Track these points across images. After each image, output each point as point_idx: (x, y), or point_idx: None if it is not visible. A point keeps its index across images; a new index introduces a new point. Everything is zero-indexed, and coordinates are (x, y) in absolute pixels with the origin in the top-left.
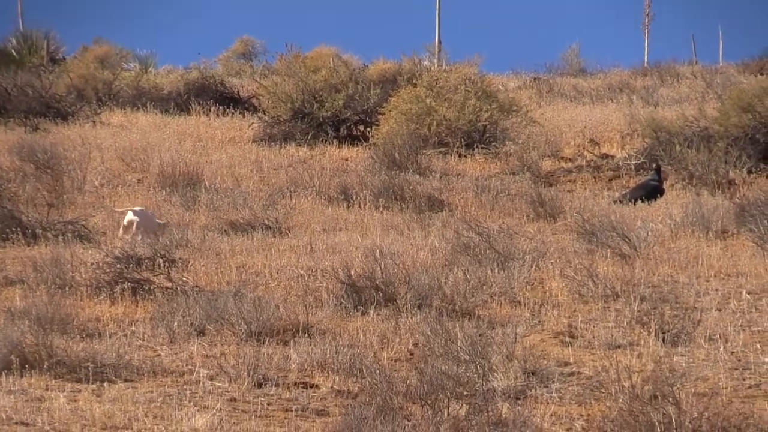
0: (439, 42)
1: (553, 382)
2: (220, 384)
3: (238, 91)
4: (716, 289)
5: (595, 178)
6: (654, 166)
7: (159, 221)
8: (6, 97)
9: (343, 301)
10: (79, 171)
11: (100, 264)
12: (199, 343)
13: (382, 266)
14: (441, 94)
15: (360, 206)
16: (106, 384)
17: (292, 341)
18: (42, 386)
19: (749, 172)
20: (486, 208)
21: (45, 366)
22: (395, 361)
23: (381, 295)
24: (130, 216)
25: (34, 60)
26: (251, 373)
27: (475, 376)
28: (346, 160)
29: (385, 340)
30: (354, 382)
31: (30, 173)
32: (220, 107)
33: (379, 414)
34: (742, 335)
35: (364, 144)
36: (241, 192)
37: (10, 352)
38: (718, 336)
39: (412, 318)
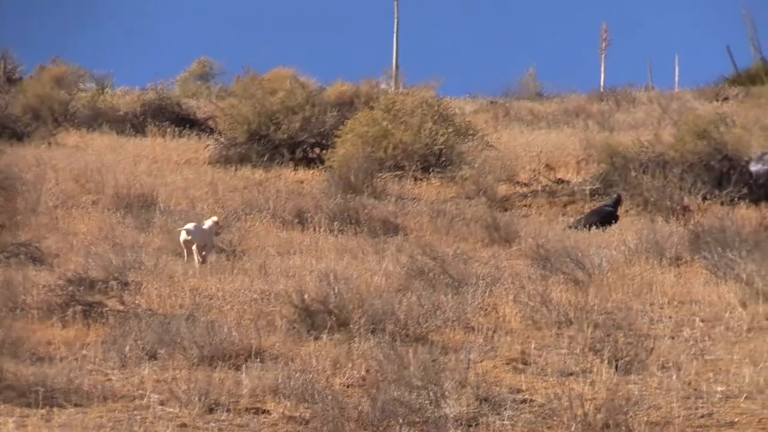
0: (397, 65)
1: (506, 409)
2: (170, 409)
3: (194, 113)
4: (670, 317)
5: (550, 203)
6: (614, 195)
7: (206, 228)
8: None
9: (296, 325)
10: (34, 192)
11: (52, 286)
12: (151, 368)
13: (336, 290)
14: (397, 117)
15: (315, 229)
16: (55, 409)
17: (244, 366)
18: None
19: (704, 198)
20: (441, 233)
21: None
22: (347, 386)
23: (334, 319)
24: (183, 236)
25: None
26: (202, 398)
27: (427, 402)
28: (302, 182)
29: (337, 366)
30: (306, 407)
31: None
32: (177, 128)
33: None
34: (695, 364)
35: (320, 167)
36: (196, 214)
37: None
38: (671, 364)
39: (365, 343)
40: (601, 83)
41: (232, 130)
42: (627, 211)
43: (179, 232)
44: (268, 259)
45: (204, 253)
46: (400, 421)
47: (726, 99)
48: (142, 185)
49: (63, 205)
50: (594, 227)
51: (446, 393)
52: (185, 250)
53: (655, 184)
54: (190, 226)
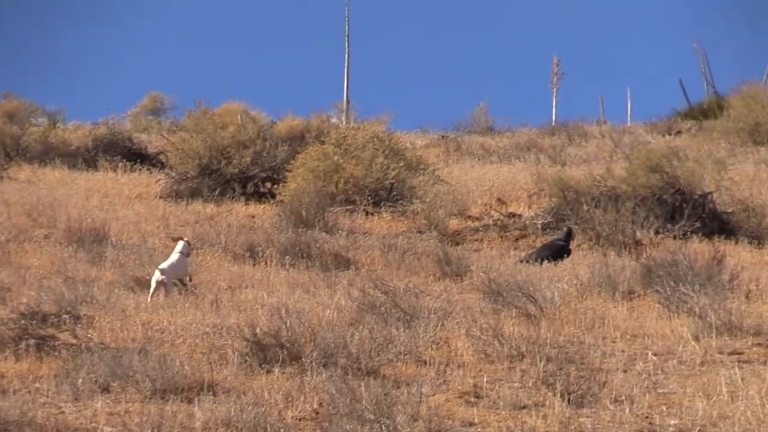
0: (348, 99)
1: None
2: None
3: (146, 147)
4: (622, 351)
5: (501, 237)
6: (566, 228)
7: (175, 261)
8: None
9: (248, 359)
10: None
11: (5, 320)
12: (104, 401)
13: (288, 324)
14: (349, 151)
15: (266, 264)
16: None
17: (196, 399)
18: None
19: (656, 232)
20: (392, 267)
21: None
22: (300, 419)
23: (286, 353)
24: (156, 277)
25: None
26: (155, 431)
27: None
28: (253, 217)
29: (289, 399)
30: None
31: None
32: (128, 163)
33: None
34: (647, 397)
35: (272, 201)
36: (148, 248)
37: None
38: (623, 397)
39: (317, 377)
40: (553, 117)
41: (183, 165)
42: (579, 245)
43: (155, 273)
44: (219, 293)
45: (188, 282)
46: None
47: (679, 133)
48: (93, 219)
49: (15, 239)
50: (546, 261)
51: (399, 426)
52: (162, 288)
53: (608, 218)
54: (164, 265)
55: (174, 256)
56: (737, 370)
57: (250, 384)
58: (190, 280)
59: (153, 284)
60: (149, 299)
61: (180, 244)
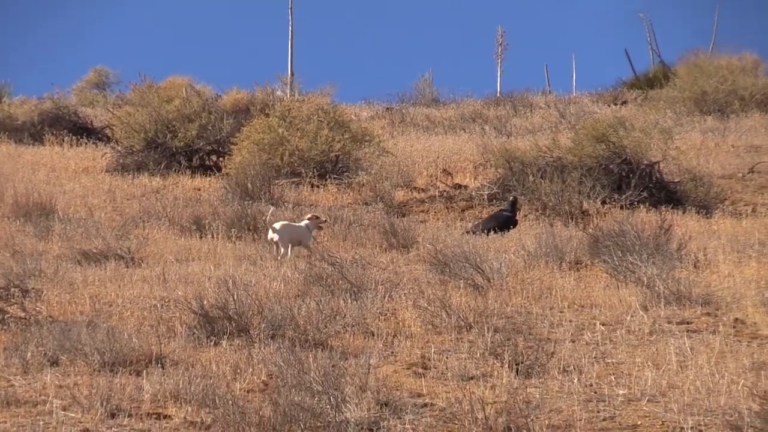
0: (292, 72)
1: (407, 413)
2: (73, 414)
3: (91, 121)
4: (570, 321)
5: (448, 208)
6: (510, 198)
7: (301, 225)
8: None
9: (195, 331)
10: None
11: None
12: (53, 374)
13: (235, 296)
14: (293, 124)
15: (213, 236)
16: None
17: (145, 372)
18: None
19: (603, 202)
20: (339, 239)
21: None
22: (248, 391)
23: (234, 325)
24: (270, 234)
25: None
26: (104, 403)
27: (328, 407)
28: (199, 190)
29: (238, 371)
30: (207, 412)
31: None
32: (74, 137)
33: None
34: (596, 367)
35: (217, 174)
36: (94, 222)
37: None
38: (572, 367)
39: (265, 348)
40: (498, 88)
41: (128, 138)
42: (526, 215)
43: (268, 231)
44: (167, 266)
45: (302, 246)
46: (302, 425)
47: (625, 103)
48: (40, 194)
49: None
50: (492, 232)
51: (347, 398)
52: (274, 247)
53: (554, 188)
54: (278, 225)
55: (300, 223)
56: (686, 339)
57: (198, 356)
58: (309, 251)
59: (271, 242)
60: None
61: (306, 218)
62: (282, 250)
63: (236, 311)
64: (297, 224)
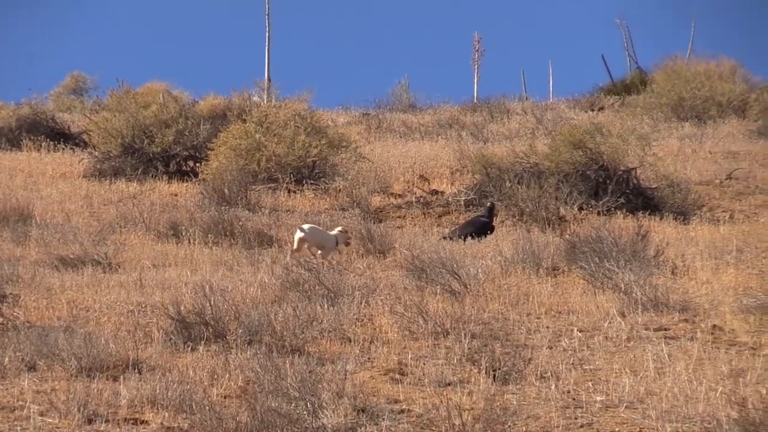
0: (269, 78)
1: (383, 419)
2: (50, 420)
3: (69, 127)
4: (547, 327)
5: (424, 214)
6: (488, 204)
7: (331, 233)
8: None
9: (172, 337)
10: None
11: None
12: (30, 379)
13: (212, 302)
14: (270, 129)
15: (189, 242)
16: None
17: (122, 377)
18: None
19: (580, 208)
20: None
21: None
22: (225, 397)
23: (211, 331)
24: (298, 234)
25: None
26: (81, 409)
27: (305, 413)
28: (176, 195)
29: (215, 377)
30: (184, 418)
31: None
32: (51, 143)
33: None
34: (573, 373)
35: (194, 180)
36: (72, 227)
37: None
38: (549, 374)
39: (241, 354)
40: (475, 94)
41: (106, 144)
42: (503, 221)
43: (296, 230)
44: (143, 271)
45: (323, 253)
46: (279, 431)
47: (602, 109)
48: (18, 199)
49: None
50: (469, 238)
51: (324, 404)
52: (296, 247)
53: (531, 194)
54: (307, 226)
55: (331, 232)
56: (664, 346)
57: (175, 362)
58: (323, 259)
59: (295, 241)
60: (289, 256)
61: (337, 229)
62: (301, 250)
63: (213, 317)
64: (326, 231)
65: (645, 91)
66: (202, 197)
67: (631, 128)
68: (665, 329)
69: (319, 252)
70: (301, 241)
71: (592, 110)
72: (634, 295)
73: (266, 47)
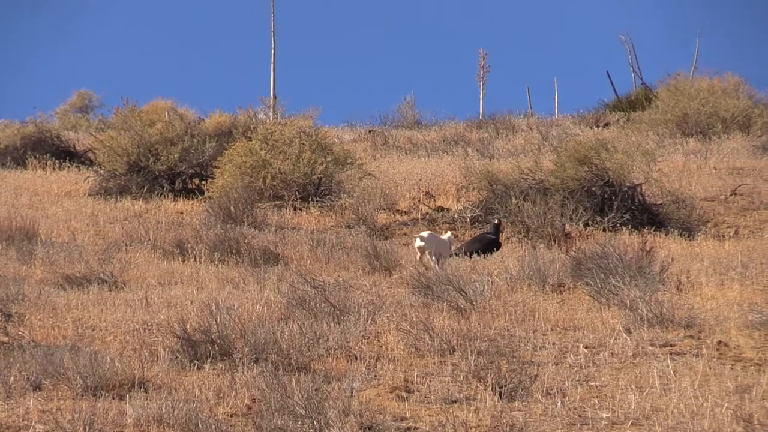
0: (275, 95)
1: None
2: None
3: (74, 145)
4: (553, 343)
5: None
6: (494, 220)
7: (443, 239)
8: None
9: (178, 355)
10: None
11: None
12: (36, 398)
13: (218, 320)
14: (276, 147)
15: (195, 260)
16: None
17: (128, 396)
18: None
19: (585, 225)
20: (321, 262)
21: None
22: (231, 416)
23: (217, 349)
24: (418, 243)
25: None
26: (87, 428)
27: (311, 431)
28: (182, 213)
29: (221, 395)
30: None
31: None
32: (57, 161)
33: None
34: (579, 390)
35: (200, 197)
36: (77, 246)
37: None
38: (555, 390)
39: (248, 372)
40: (480, 110)
41: (111, 162)
42: (508, 238)
43: (415, 239)
44: (149, 289)
45: (440, 261)
46: None
47: (607, 125)
48: (23, 217)
49: None
50: (476, 255)
51: (330, 421)
52: (418, 256)
53: (536, 210)
54: (425, 234)
55: (445, 235)
56: (669, 362)
57: (181, 380)
58: (440, 267)
59: (416, 251)
60: (415, 265)
61: (448, 233)
62: (426, 259)
63: (219, 335)
64: (441, 237)
65: (650, 107)
66: (207, 215)
67: (636, 144)
68: (671, 345)
69: (437, 259)
70: (421, 249)
71: (597, 126)
72: (639, 311)
73: (272, 64)
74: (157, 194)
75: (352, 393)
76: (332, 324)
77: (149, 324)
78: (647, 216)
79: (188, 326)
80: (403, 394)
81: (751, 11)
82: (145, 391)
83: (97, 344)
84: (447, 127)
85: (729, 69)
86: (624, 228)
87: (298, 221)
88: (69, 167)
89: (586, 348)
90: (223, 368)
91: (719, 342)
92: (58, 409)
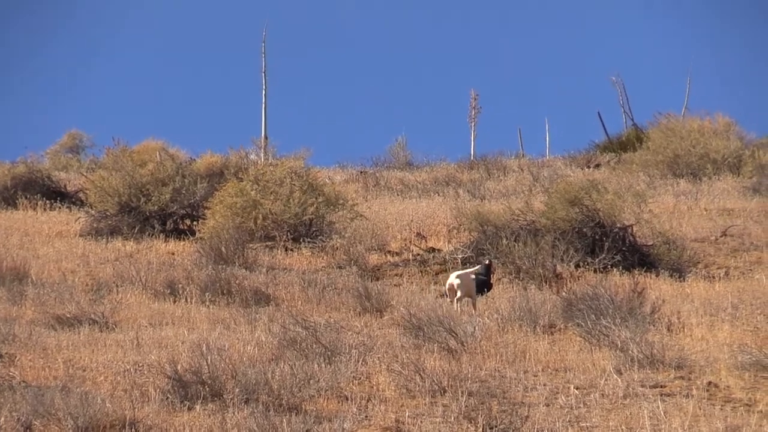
0: (266, 136)
1: None
2: None
3: (65, 185)
4: (544, 384)
5: (422, 272)
6: (485, 261)
7: (472, 277)
8: None
9: (169, 395)
10: None
11: None
12: None
13: (209, 361)
14: (267, 187)
15: (186, 300)
16: None
17: None
18: None
19: (577, 266)
20: (313, 303)
21: None
22: None
23: (208, 389)
24: (451, 280)
25: None
26: None
27: None
28: (173, 254)
29: None
30: None
31: None
32: (48, 201)
33: None
34: (570, 431)
35: (191, 238)
36: (68, 286)
37: None
38: (546, 431)
39: (238, 413)
40: (472, 151)
41: (102, 203)
42: (499, 279)
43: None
44: (140, 330)
45: (472, 300)
46: None
47: (598, 165)
48: (14, 258)
49: None
50: None
51: None
52: (456, 296)
53: (527, 251)
54: (460, 273)
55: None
56: (660, 403)
57: (171, 421)
58: (474, 308)
59: (454, 291)
60: (454, 305)
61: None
62: (459, 297)
63: (210, 375)
64: (471, 276)
65: (641, 148)
66: (199, 256)
67: (627, 185)
68: (661, 386)
69: (471, 299)
70: (453, 290)
71: (588, 167)
72: (630, 352)
73: (263, 105)
74: (149, 235)
75: None
76: (323, 365)
77: (140, 364)
78: (638, 257)
79: (179, 367)
80: None
81: (742, 52)
82: (136, 431)
83: (88, 385)
84: (438, 168)
85: (720, 109)
86: (615, 269)
87: (289, 262)
88: (60, 207)
89: (576, 389)
90: (214, 409)
91: (709, 383)
92: None
